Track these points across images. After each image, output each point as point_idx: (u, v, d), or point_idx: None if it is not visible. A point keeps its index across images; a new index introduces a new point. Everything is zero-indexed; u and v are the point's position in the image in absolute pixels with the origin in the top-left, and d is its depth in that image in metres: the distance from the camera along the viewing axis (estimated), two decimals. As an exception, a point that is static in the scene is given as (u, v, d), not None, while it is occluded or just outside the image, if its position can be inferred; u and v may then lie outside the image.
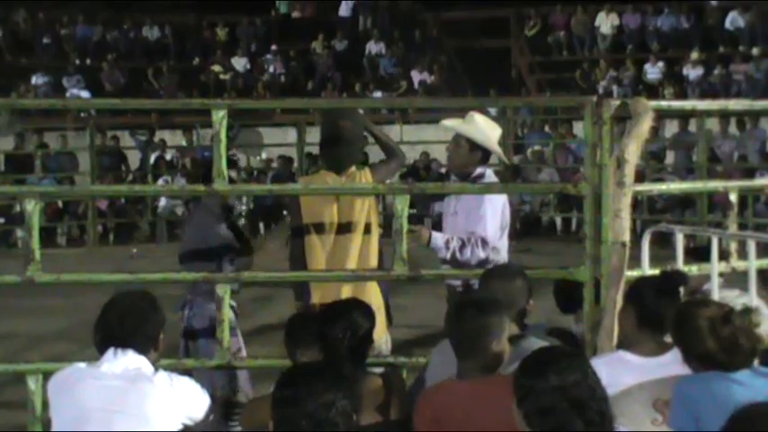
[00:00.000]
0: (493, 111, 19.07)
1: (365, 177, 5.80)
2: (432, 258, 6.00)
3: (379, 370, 4.65)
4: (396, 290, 5.87)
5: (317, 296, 5.66)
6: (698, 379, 3.65)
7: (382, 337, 5.59)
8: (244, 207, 18.42)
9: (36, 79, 23.06)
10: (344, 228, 5.64)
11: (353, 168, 5.77)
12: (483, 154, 6.02)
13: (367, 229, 5.66)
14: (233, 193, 5.66)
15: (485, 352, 3.78)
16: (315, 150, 18.53)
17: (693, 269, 5.31)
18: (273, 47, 25.24)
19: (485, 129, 6.06)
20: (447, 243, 5.75)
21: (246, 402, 4.36)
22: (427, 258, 6.00)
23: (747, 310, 3.67)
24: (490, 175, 6.11)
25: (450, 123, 6.15)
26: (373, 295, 5.56)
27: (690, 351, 3.70)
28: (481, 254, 5.75)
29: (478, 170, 5.98)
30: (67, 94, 22.35)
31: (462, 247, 5.74)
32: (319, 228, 5.65)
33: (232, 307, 5.99)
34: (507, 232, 6.00)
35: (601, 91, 21.54)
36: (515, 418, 3.12)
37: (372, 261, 5.71)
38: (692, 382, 3.65)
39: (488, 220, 5.77)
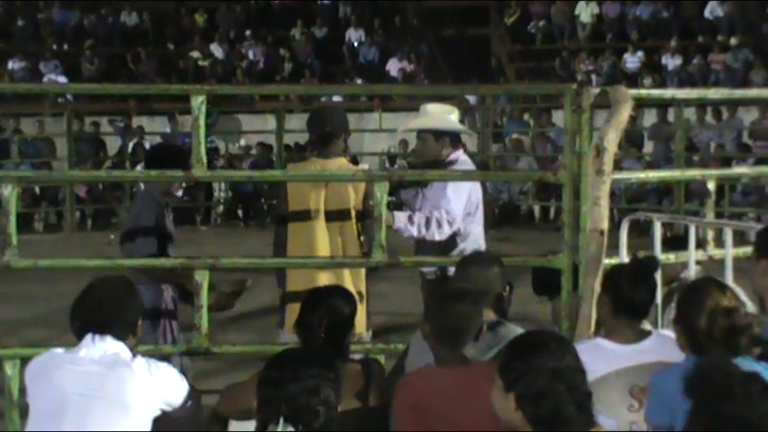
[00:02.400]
0: (472, 99, 19.10)
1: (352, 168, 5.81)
2: (410, 246, 6.01)
3: (357, 356, 4.65)
4: (374, 277, 5.87)
5: (293, 284, 5.63)
6: (674, 372, 3.67)
7: (360, 332, 5.55)
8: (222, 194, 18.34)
9: (12, 64, 22.90)
10: (331, 216, 5.60)
11: (342, 158, 5.75)
12: (450, 139, 6.03)
13: (354, 217, 5.62)
14: (212, 180, 5.64)
15: (468, 340, 3.81)
16: (294, 138, 18.59)
17: (671, 257, 5.34)
18: (252, 33, 25.14)
19: (440, 113, 6.09)
20: (410, 218, 5.77)
21: (225, 387, 4.33)
22: (406, 246, 6.01)
23: (751, 325, 3.68)
24: (464, 161, 6.10)
25: (408, 125, 6.21)
26: (353, 285, 5.52)
27: (681, 317, 3.74)
28: (446, 229, 5.76)
29: (451, 156, 5.98)
30: (45, 80, 22.19)
31: (427, 222, 5.75)
32: (305, 215, 5.63)
33: (172, 297, 5.95)
34: (477, 218, 5.99)
35: (580, 80, 21.57)
36: (499, 402, 3.12)
37: (355, 250, 5.69)
38: (669, 375, 3.66)
39: (451, 198, 5.79)
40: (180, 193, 6.12)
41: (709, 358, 3.32)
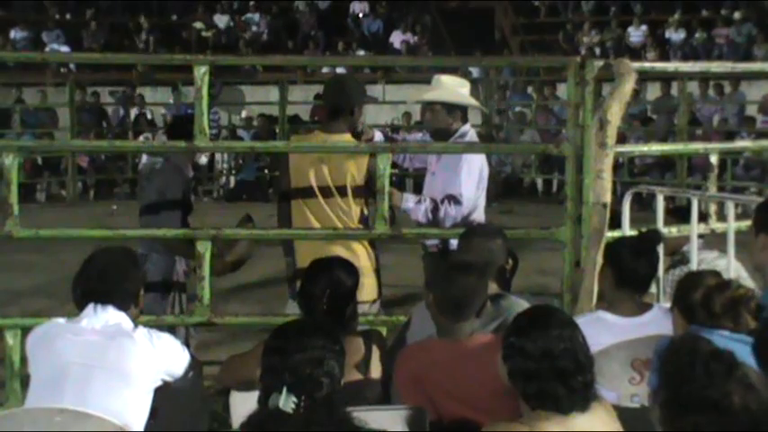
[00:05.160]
0: (475, 71, 19.01)
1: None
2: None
3: (359, 328, 4.65)
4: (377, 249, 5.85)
5: (302, 260, 5.59)
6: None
7: (371, 300, 5.55)
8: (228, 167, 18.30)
9: (15, 33, 22.78)
10: (331, 193, 5.51)
11: (347, 135, 5.66)
12: (462, 112, 5.99)
13: (355, 194, 5.54)
14: (214, 150, 5.62)
15: (471, 313, 3.81)
16: (297, 110, 18.53)
17: (673, 230, 5.35)
18: (256, 4, 25.01)
19: (454, 86, 6.04)
20: (418, 203, 5.73)
21: (227, 358, 4.34)
22: (408, 217, 6.00)
23: (749, 296, 3.69)
24: (473, 135, 6.09)
25: (422, 96, 6.15)
26: (362, 259, 5.47)
27: (678, 299, 3.75)
28: (455, 214, 5.73)
29: (461, 129, 5.95)
30: (47, 50, 22.09)
31: (435, 209, 5.71)
32: (305, 192, 5.55)
33: (184, 270, 5.93)
34: (483, 193, 5.97)
35: (583, 53, 21.47)
36: (500, 368, 3.14)
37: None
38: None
39: (464, 179, 5.75)
40: (204, 160, 6.04)
41: (682, 336, 3.32)
